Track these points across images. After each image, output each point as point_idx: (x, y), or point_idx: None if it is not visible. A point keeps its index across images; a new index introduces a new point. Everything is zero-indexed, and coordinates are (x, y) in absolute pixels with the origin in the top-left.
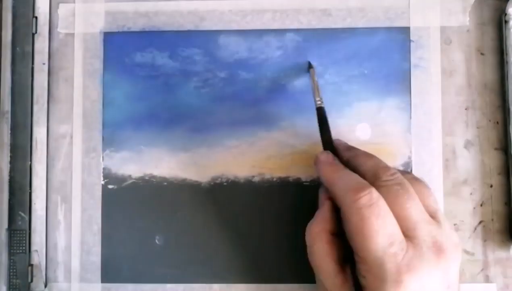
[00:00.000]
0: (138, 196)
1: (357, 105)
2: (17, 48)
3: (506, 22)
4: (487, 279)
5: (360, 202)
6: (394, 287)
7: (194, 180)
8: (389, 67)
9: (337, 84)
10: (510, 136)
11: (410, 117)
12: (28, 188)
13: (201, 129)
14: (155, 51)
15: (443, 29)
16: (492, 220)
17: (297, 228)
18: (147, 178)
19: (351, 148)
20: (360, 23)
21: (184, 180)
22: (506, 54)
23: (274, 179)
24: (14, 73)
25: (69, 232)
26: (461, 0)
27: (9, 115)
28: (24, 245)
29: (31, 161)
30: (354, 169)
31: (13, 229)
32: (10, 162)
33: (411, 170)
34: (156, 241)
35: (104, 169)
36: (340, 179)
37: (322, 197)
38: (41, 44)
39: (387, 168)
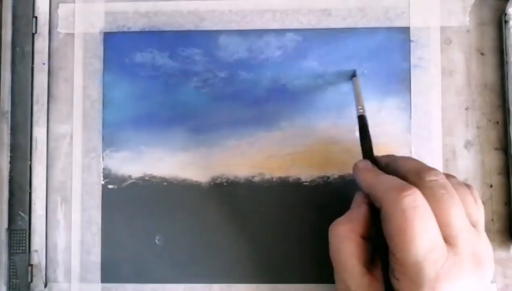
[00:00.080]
0: (138, 196)
1: None
2: (17, 48)
3: (506, 22)
4: None
5: (404, 202)
6: None
7: (194, 180)
8: (389, 67)
9: (337, 84)
10: (510, 136)
11: (410, 117)
12: (28, 188)
13: (201, 130)
14: (155, 51)
15: (443, 29)
16: (492, 220)
17: (297, 228)
18: (147, 178)
19: (389, 155)
20: (360, 23)
21: (184, 180)
22: (506, 54)
23: (274, 179)
24: (14, 73)
25: (69, 232)
26: (461, 0)
27: (9, 115)
28: (24, 245)
29: (31, 160)
30: (394, 173)
31: (13, 229)
32: (10, 162)
33: None
34: (156, 241)
35: (104, 169)
36: (381, 181)
37: (358, 200)
38: (41, 44)
39: (430, 168)
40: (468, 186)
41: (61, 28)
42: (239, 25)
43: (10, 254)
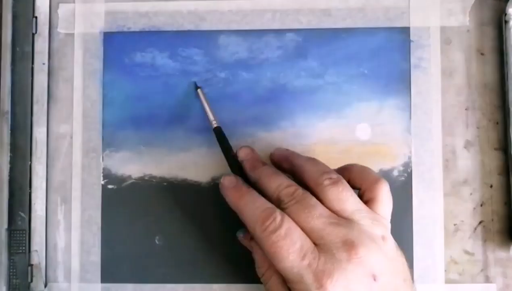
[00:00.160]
0: (138, 196)
1: (357, 106)
2: (17, 48)
3: (506, 22)
4: (487, 279)
5: (268, 230)
6: None
7: (194, 180)
8: (389, 68)
9: (337, 84)
10: (510, 136)
11: (410, 118)
12: (28, 188)
13: (201, 130)
14: (155, 51)
15: (443, 29)
16: (492, 220)
17: None
18: (147, 178)
19: (258, 165)
20: (360, 23)
21: (184, 180)
22: (506, 54)
23: None
24: (14, 74)
25: (69, 232)
26: (461, 0)
27: (9, 116)
28: (24, 245)
29: (31, 161)
30: (261, 191)
31: (13, 229)
32: (10, 162)
33: (411, 171)
34: (156, 241)
35: (104, 169)
36: (246, 206)
37: (247, 241)
38: (41, 44)
39: (287, 189)
40: (343, 183)
41: (61, 28)
42: (239, 25)
43: (10, 254)
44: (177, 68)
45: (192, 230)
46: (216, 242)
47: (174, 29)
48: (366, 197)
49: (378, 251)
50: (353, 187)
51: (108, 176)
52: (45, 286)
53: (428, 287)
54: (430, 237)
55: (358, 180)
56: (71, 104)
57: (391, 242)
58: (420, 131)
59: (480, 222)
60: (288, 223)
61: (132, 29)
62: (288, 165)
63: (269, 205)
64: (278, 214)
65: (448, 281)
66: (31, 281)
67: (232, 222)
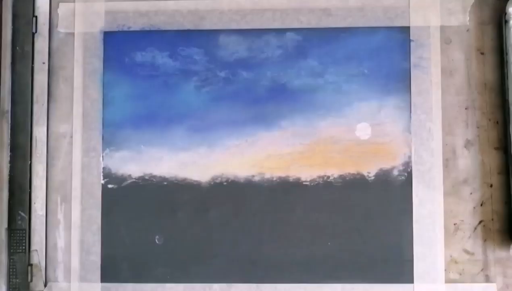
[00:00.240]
0: (138, 196)
1: (357, 105)
2: (17, 48)
3: (506, 21)
4: (487, 279)
5: None
6: None
7: (194, 179)
8: (389, 67)
9: (337, 83)
10: (510, 136)
11: (410, 117)
12: (28, 188)
13: (201, 129)
14: (155, 51)
15: (443, 29)
16: (492, 219)
17: (297, 228)
18: (147, 177)
19: None
20: (360, 23)
21: (184, 180)
22: (506, 53)
23: (274, 179)
24: (14, 73)
25: (69, 232)
26: (461, 0)
27: (9, 115)
28: (23, 244)
29: (31, 160)
30: None
31: (12, 229)
32: (10, 161)
33: (411, 170)
34: (156, 240)
35: (104, 168)
36: None
37: None
38: (41, 43)
39: None
40: None
41: (61, 28)
42: (239, 25)
43: (10, 254)
44: (177, 68)
45: (192, 230)
46: (216, 241)
47: (174, 28)
48: None
49: None
50: None
51: (108, 175)
52: (45, 285)
53: (428, 286)
54: (430, 236)
55: None
56: (71, 104)
57: None
58: (420, 131)
59: (480, 222)
60: None
61: (132, 29)
62: None
63: None
64: None
65: (448, 280)
66: (31, 280)
67: (232, 221)
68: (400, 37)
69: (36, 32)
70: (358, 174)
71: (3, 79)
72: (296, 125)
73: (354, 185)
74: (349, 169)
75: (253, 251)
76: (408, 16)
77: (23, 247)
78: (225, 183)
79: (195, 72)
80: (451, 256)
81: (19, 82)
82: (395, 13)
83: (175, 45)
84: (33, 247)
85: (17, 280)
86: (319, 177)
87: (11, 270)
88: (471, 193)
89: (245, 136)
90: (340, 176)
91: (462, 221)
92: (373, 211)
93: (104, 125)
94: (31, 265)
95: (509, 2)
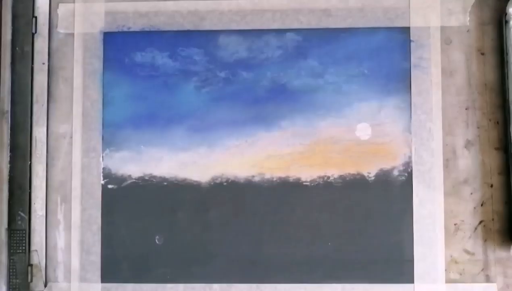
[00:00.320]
0: (138, 196)
1: (357, 105)
2: (17, 48)
3: (506, 22)
4: (487, 279)
5: None
6: None
7: (194, 179)
8: (389, 67)
9: (337, 84)
10: (510, 136)
11: (410, 117)
12: (28, 188)
13: (201, 129)
14: (155, 51)
15: (443, 29)
16: (493, 219)
17: (297, 228)
18: (147, 177)
19: None
20: (360, 23)
21: (184, 180)
22: (507, 54)
23: (274, 179)
24: (14, 73)
25: (69, 232)
26: (461, 0)
27: (9, 115)
28: (23, 244)
29: (30, 160)
30: None
31: (12, 229)
32: (10, 162)
33: (411, 170)
34: (156, 240)
35: (104, 168)
36: None
37: None
38: (40, 44)
39: None
40: None
41: (61, 28)
42: (239, 25)
43: (10, 254)
44: (177, 68)
45: (192, 230)
46: (216, 241)
47: (174, 29)
48: None
49: None
50: None
51: (108, 175)
52: (45, 286)
53: (429, 286)
54: (430, 236)
55: None
56: (71, 104)
57: None
58: (420, 131)
59: (481, 222)
60: None
61: (132, 29)
62: None
63: None
64: None
65: (448, 280)
66: (31, 281)
67: (232, 221)
68: (400, 37)
69: (36, 32)
70: (358, 174)
71: (3, 80)
72: (296, 125)
73: (354, 185)
74: (349, 169)
75: (253, 251)
76: (408, 17)
77: (23, 247)
78: (225, 183)
79: (195, 72)
80: (451, 256)
81: (19, 83)
82: (395, 14)
83: (175, 45)
84: (33, 247)
85: (17, 280)
86: (319, 177)
87: (11, 270)
88: (471, 193)
89: (245, 137)
90: (340, 176)
91: (463, 221)
92: (374, 211)
93: (104, 125)
94: (31, 265)
95: (509, 3)
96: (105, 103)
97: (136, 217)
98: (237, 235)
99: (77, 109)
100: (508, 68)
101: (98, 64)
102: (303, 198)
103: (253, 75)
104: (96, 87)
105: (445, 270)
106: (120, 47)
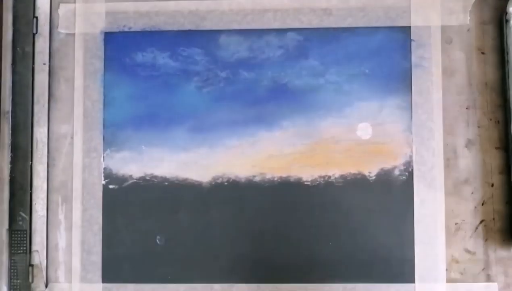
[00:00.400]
0: (139, 196)
1: (358, 105)
2: (18, 49)
3: (507, 21)
4: (488, 278)
5: None
6: None
7: (195, 179)
8: (390, 67)
9: (338, 83)
10: (511, 135)
11: (411, 117)
12: (29, 188)
13: (202, 129)
14: (156, 51)
15: (444, 29)
16: (493, 219)
17: (298, 228)
18: (148, 177)
19: None
20: (361, 23)
21: (185, 180)
22: (507, 53)
23: (275, 179)
24: (14, 73)
25: (70, 232)
26: None
27: (9, 115)
28: (24, 245)
29: (31, 161)
30: None
31: (13, 229)
32: (11, 162)
33: (412, 170)
34: (157, 241)
35: (105, 168)
36: None
37: None
38: (41, 44)
39: None
40: None
41: (62, 28)
42: (240, 25)
43: (11, 254)
44: (178, 68)
45: (193, 230)
46: (217, 241)
47: (175, 29)
48: None
49: None
50: None
51: (109, 175)
52: (46, 286)
53: (430, 286)
54: (431, 236)
55: None
56: (72, 104)
57: None
58: (421, 131)
59: (481, 221)
60: None
61: (133, 29)
62: None
63: None
64: None
65: (449, 280)
66: (32, 281)
67: (233, 221)
68: (401, 37)
69: (36, 32)
70: (359, 173)
71: (4, 80)
72: (297, 125)
73: (355, 184)
74: (350, 168)
75: (254, 251)
76: (409, 16)
77: (24, 248)
78: (226, 183)
79: (196, 72)
80: (452, 256)
81: (20, 83)
82: (396, 13)
83: (175, 45)
84: (34, 248)
85: (18, 281)
86: (320, 177)
87: (12, 270)
88: (472, 193)
89: (246, 137)
90: (341, 176)
91: (463, 220)
92: (374, 211)
93: (105, 125)
94: (32, 265)
95: (509, 2)
96: (106, 104)
97: (137, 217)
98: (238, 235)
99: (78, 109)
100: (508, 67)
101: (99, 64)
102: (304, 197)
103: (254, 75)
104: (97, 88)
105: (446, 269)
106: (121, 47)
